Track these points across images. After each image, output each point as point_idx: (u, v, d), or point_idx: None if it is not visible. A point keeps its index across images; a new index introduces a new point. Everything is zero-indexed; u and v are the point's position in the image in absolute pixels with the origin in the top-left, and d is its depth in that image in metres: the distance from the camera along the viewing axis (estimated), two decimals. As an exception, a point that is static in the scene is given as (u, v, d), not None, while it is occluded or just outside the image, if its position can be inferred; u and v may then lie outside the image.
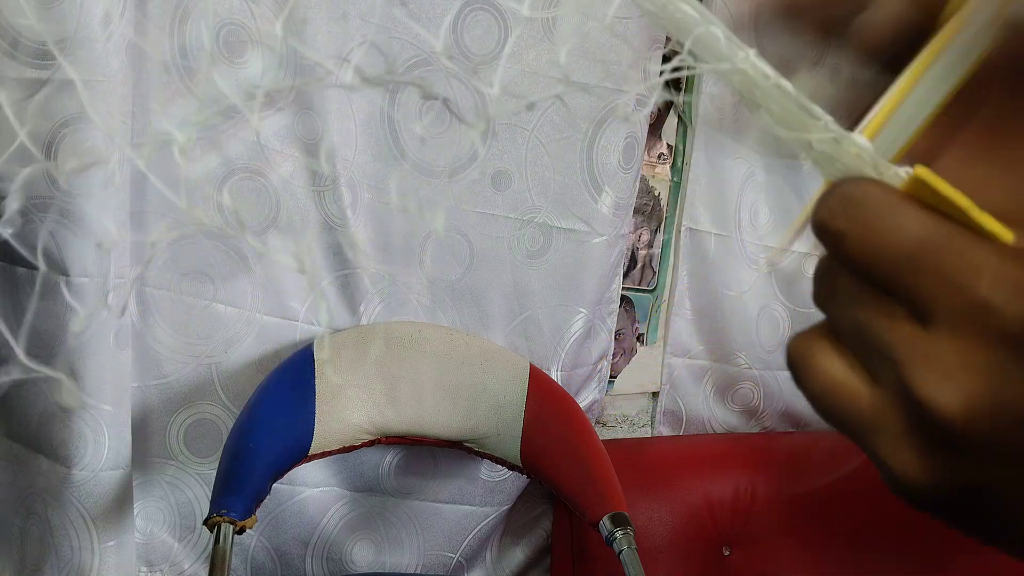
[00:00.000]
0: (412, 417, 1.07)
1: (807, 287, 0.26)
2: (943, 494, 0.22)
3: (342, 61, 1.02)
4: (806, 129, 0.24)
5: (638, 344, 1.38)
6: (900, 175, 0.23)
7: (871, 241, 0.22)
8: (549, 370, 1.23)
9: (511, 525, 1.32)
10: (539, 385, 1.12)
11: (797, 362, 0.25)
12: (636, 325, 1.37)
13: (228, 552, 0.82)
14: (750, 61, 0.25)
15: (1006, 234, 0.21)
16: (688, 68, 0.26)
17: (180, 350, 1.06)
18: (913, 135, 0.26)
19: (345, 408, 1.03)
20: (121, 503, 1.00)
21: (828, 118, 0.24)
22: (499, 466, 1.14)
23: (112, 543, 1.00)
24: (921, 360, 0.21)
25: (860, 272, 0.23)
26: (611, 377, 1.36)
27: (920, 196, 0.22)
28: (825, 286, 0.24)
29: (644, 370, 1.39)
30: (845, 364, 0.23)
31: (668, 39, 1.26)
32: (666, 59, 0.27)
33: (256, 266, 1.06)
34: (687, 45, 0.25)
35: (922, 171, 0.22)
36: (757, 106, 0.25)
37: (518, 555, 1.33)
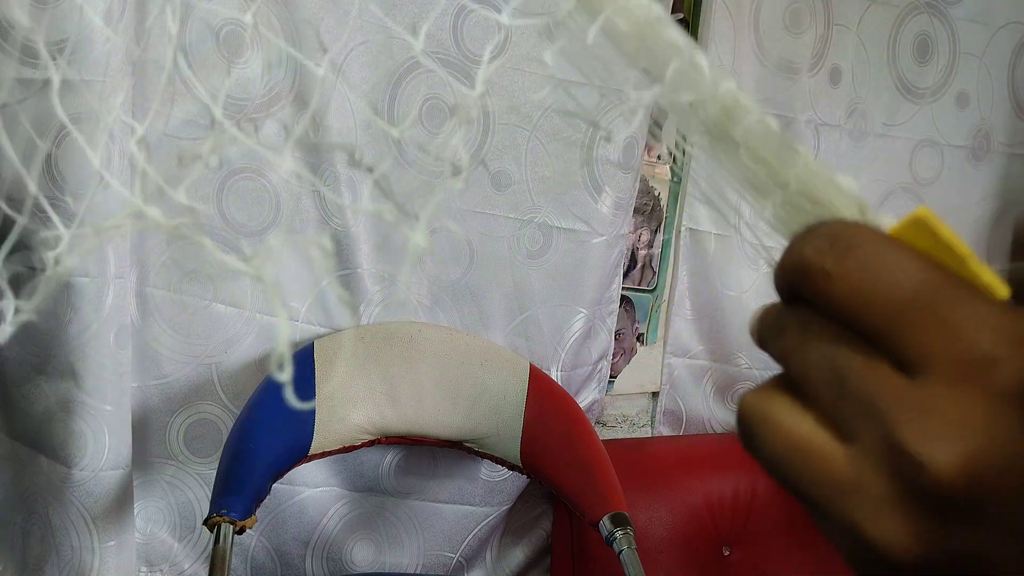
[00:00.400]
0: (412, 417, 1.07)
1: None
2: (933, 566, 0.20)
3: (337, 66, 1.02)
4: (787, 164, 0.23)
5: (638, 344, 1.38)
6: (885, 220, 0.22)
7: (862, 284, 0.20)
8: (549, 370, 1.23)
9: (511, 525, 1.32)
10: (539, 385, 1.12)
11: (753, 421, 0.22)
12: (636, 325, 1.37)
13: (228, 552, 0.82)
14: (733, 93, 0.23)
15: (1002, 289, 0.20)
16: (669, 98, 0.24)
17: (180, 350, 1.06)
18: None
19: (345, 408, 1.03)
20: (121, 503, 1.00)
21: (810, 154, 0.23)
22: (499, 466, 1.14)
23: (112, 543, 1.00)
24: (913, 414, 0.19)
25: (843, 317, 0.21)
26: (611, 377, 1.36)
27: (913, 241, 0.21)
28: (791, 335, 0.22)
29: (644, 370, 1.39)
30: (812, 420, 0.21)
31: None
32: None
33: (256, 266, 1.06)
34: (668, 74, 0.24)
35: (924, 212, 0.21)
36: (735, 143, 0.24)
37: (518, 555, 1.33)
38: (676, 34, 0.24)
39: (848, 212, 0.23)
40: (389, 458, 1.20)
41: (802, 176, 0.23)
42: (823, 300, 0.21)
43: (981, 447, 0.18)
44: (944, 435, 0.19)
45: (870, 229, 0.21)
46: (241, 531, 0.84)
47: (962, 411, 0.19)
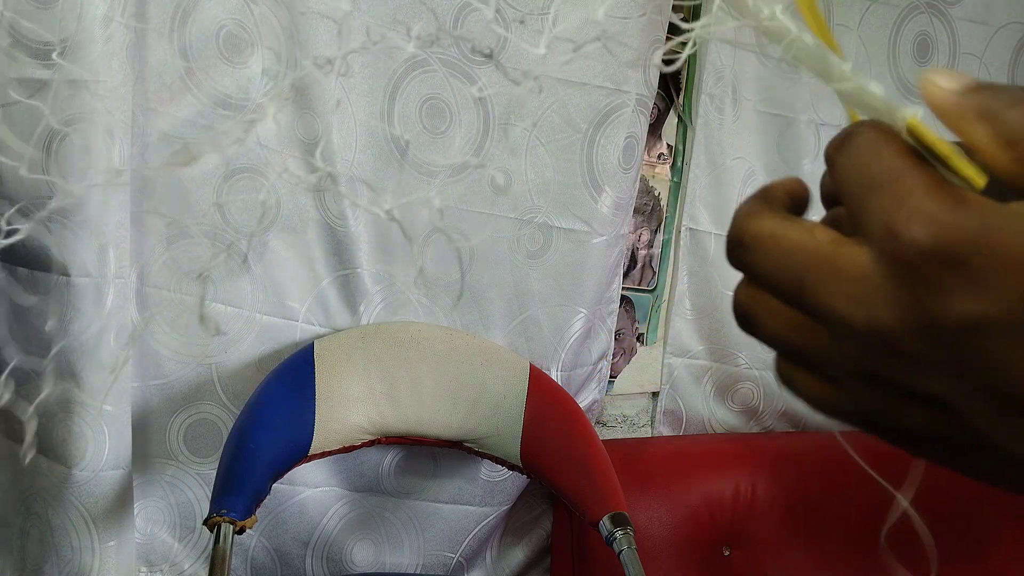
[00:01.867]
0: (412, 417, 1.07)
1: None
2: (913, 331, 0.22)
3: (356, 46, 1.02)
4: (827, 78, 0.26)
5: (638, 344, 1.38)
6: (908, 115, 0.24)
7: (845, 170, 0.24)
8: (549, 370, 1.23)
9: (511, 525, 1.32)
10: (539, 385, 1.12)
11: (761, 238, 0.25)
12: (636, 325, 1.37)
13: (228, 552, 0.82)
14: (776, 18, 0.26)
15: (979, 180, 0.22)
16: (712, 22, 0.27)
17: (180, 350, 1.06)
18: None
19: (345, 408, 1.03)
20: (121, 503, 1.00)
21: (847, 67, 0.25)
22: (499, 466, 1.14)
23: (112, 543, 1.00)
24: (834, 278, 0.23)
25: (840, 200, 0.24)
26: (611, 377, 1.36)
27: (917, 141, 0.23)
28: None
29: (644, 370, 1.39)
30: (819, 228, 0.24)
31: (668, 38, 1.25)
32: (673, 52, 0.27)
33: (256, 266, 1.06)
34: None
35: (912, 121, 0.23)
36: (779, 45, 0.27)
37: (518, 555, 1.33)
38: None
39: (881, 114, 0.25)
40: (389, 458, 1.20)
41: (840, 87, 0.25)
42: (831, 185, 0.25)
43: (883, 314, 0.22)
44: (855, 302, 0.22)
45: (873, 128, 0.24)
46: (241, 531, 0.84)
47: (875, 279, 0.22)
